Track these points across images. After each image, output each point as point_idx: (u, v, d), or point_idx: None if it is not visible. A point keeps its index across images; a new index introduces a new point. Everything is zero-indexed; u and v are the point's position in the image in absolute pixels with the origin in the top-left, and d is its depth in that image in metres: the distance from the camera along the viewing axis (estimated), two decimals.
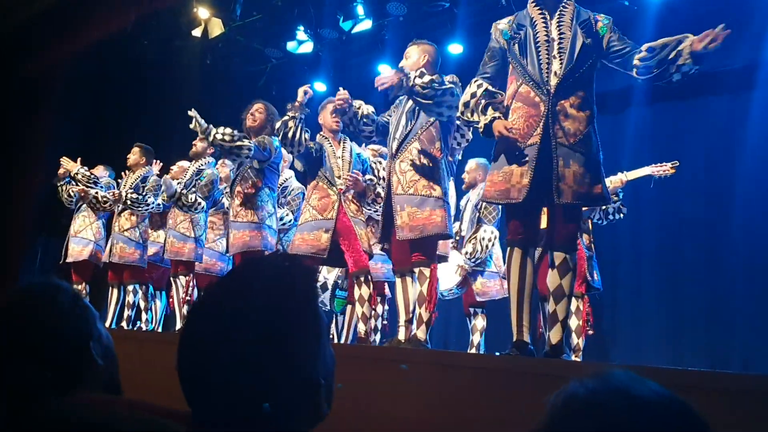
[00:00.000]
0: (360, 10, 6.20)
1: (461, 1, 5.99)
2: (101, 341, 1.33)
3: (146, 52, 7.11)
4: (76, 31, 6.74)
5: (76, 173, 5.74)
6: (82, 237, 5.92)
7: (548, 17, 2.86)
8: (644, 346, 5.68)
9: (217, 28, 6.28)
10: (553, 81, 2.76)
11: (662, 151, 5.66)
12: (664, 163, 4.30)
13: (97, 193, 5.75)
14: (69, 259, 5.88)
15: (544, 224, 2.98)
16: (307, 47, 6.85)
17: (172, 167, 5.77)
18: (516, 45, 2.88)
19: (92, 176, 5.79)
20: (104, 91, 7.40)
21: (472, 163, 5.01)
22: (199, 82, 7.38)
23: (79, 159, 5.81)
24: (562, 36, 2.81)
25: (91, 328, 1.31)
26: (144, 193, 5.52)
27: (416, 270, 3.41)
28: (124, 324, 5.55)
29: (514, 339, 2.76)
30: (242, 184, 4.38)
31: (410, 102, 3.53)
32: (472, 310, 5.00)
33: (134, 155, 5.78)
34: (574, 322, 3.99)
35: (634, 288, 5.90)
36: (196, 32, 6.48)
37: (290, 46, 6.92)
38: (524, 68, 2.84)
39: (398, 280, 3.55)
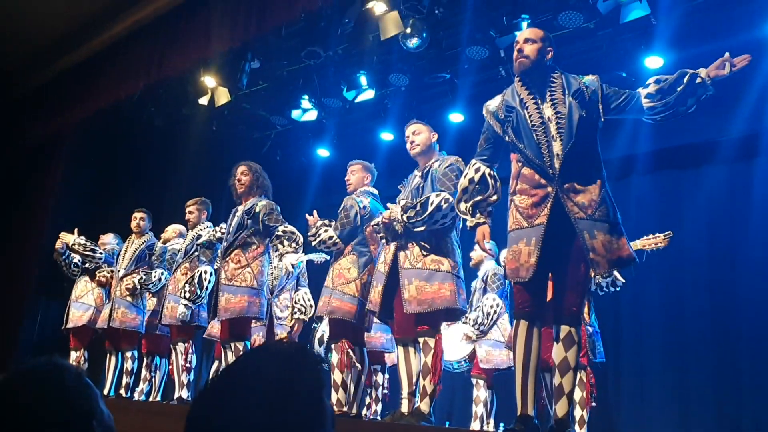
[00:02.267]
0: (363, 80, 6.36)
1: (461, 71, 6.13)
2: (103, 421, 1.32)
3: (153, 119, 7.26)
4: (85, 98, 6.91)
5: (73, 244, 5.68)
6: (83, 302, 5.87)
7: (539, 99, 2.86)
8: (650, 417, 5.56)
9: (223, 96, 6.41)
10: (557, 163, 2.75)
11: (663, 220, 5.69)
12: (657, 235, 4.05)
13: (106, 273, 5.74)
14: (69, 325, 5.83)
15: (549, 296, 2.97)
16: (312, 115, 7.00)
17: (166, 229, 5.72)
18: (510, 128, 2.88)
19: (88, 244, 5.73)
20: (111, 156, 7.51)
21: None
22: (205, 148, 7.50)
23: (75, 230, 5.77)
24: (559, 115, 2.79)
25: (94, 408, 1.30)
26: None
27: (421, 340, 3.37)
28: (122, 391, 5.46)
29: (519, 413, 2.72)
30: (244, 249, 4.32)
31: (417, 178, 3.59)
32: (474, 380, 4.94)
33: (139, 220, 5.70)
34: (577, 394, 3.92)
35: (637, 358, 5.82)
36: (203, 100, 6.61)
37: (295, 114, 7.06)
38: (523, 152, 2.84)
39: (400, 350, 3.50)
